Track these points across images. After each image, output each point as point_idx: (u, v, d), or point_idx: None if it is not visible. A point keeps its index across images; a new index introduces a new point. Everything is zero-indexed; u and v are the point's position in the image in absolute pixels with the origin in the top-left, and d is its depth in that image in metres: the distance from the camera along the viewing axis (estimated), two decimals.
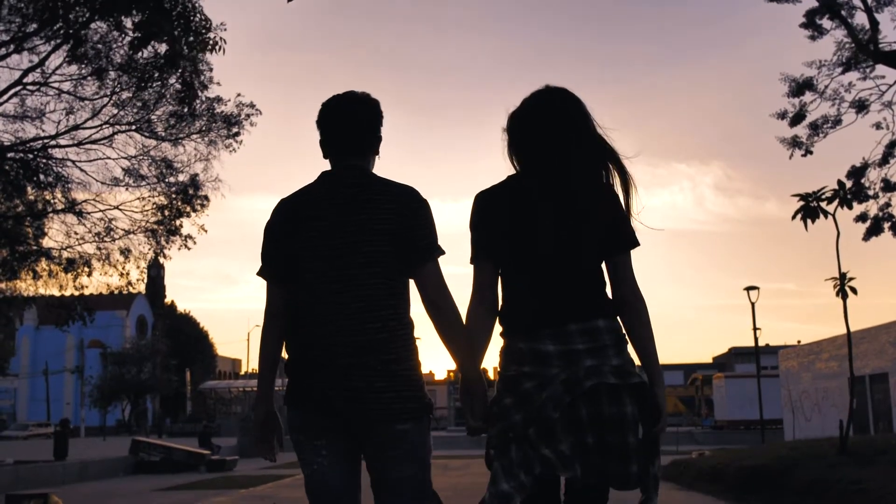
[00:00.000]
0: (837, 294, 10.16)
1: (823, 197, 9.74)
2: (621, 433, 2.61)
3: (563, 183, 2.77)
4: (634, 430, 2.63)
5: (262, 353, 2.88)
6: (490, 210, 2.81)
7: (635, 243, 2.83)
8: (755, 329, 32.14)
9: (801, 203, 9.71)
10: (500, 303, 2.83)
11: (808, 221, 9.70)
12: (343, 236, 2.74)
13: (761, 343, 35.12)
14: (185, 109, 17.12)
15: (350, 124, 2.89)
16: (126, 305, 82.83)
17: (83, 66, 17.68)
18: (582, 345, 2.66)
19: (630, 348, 2.78)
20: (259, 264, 2.92)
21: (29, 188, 19.25)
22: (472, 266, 2.83)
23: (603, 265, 2.83)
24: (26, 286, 21.24)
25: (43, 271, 20.72)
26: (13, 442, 48.46)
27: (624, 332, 2.78)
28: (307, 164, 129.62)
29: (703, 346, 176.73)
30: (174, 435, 51.51)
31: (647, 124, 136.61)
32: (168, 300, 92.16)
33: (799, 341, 37.58)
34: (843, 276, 10.10)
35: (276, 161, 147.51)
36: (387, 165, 3.11)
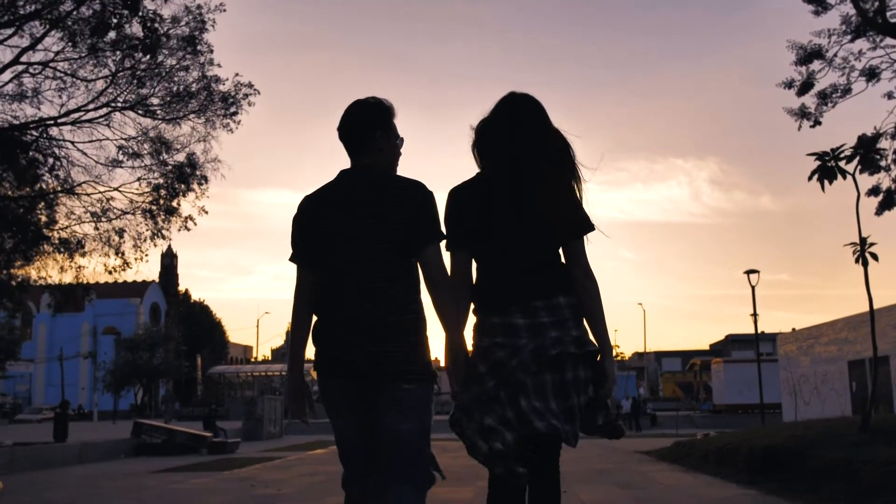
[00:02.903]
0: (857, 261, 9.01)
1: (842, 155, 8.62)
2: (577, 396, 2.90)
3: (518, 178, 3.00)
4: (584, 391, 2.93)
5: (293, 328, 3.15)
6: (461, 204, 3.07)
7: (585, 229, 3.03)
8: (755, 313, 31.06)
9: (818, 163, 8.60)
10: (475, 283, 3.08)
11: (826, 182, 8.58)
12: (360, 226, 2.97)
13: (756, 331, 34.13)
14: (149, 57, 16.15)
15: (351, 128, 3.12)
16: (140, 293, 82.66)
17: (68, 34, 16.81)
18: (547, 318, 2.92)
19: (583, 323, 3.01)
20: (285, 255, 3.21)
21: (38, 172, 18.57)
22: (448, 253, 3.08)
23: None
24: (27, 272, 20.56)
25: (43, 254, 20.03)
26: (27, 425, 47.94)
27: (579, 307, 3.00)
28: (317, 161, 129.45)
29: (699, 334, 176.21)
30: (183, 418, 50.89)
31: (646, 122, 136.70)
32: (182, 289, 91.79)
33: (794, 329, 36.61)
34: (863, 241, 8.95)
35: (287, 158, 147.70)
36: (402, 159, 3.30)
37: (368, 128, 3.11)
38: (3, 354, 52.60)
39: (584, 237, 3.04)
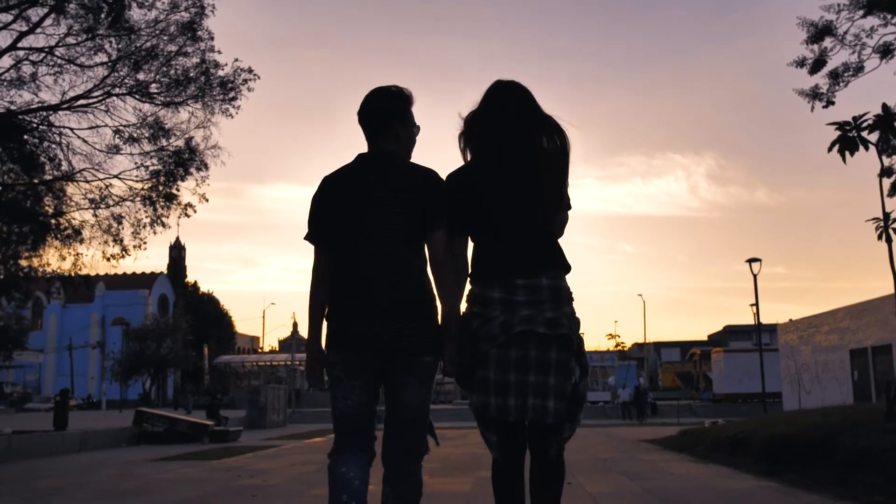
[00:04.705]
0: (879, 237, 8.28)
1: (864, 125, 7.86)
2: (543, 374, 2.91)
3: (507, 163, 3.07)
4: (556, 373, 2.93)
5: (311, 303, 3.16)
6: (456, 188, 3.11)
7: (566, 207, 3.12)
8: (756, 302, 30.39)
9: (839, 133, 7.85)
10: (470, 260, 3.15)
11: (847, 154, 7.84)
12: (375, 206, 3.05)
13: (754, 321, 33.47)
14: (116, 26, 15.49)
15: (371, 114, 3.19)
16: (148, 285, 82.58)
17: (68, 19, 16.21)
18: (522, 297, 2.99)
19: (567, 305, 3.04)
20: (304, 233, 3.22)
21: (39, 159, 18.01)
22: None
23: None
24: (32, 262, 20.01)
25: (46, 244, 19.50)
26: (34, 414, 47.41)
27: (564, 289, 3.06)
28: (324, 156, 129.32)
29: (697, 326, 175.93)
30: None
31: (644, 117, 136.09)
32: (191, 281, 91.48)
33: (790, 320, 36.11)
34: (886, 217, 8.22)
35: (295, 154, 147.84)
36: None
37: (387, 115, 3.18)
38: (11, 344, 52.10)
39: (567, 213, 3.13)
